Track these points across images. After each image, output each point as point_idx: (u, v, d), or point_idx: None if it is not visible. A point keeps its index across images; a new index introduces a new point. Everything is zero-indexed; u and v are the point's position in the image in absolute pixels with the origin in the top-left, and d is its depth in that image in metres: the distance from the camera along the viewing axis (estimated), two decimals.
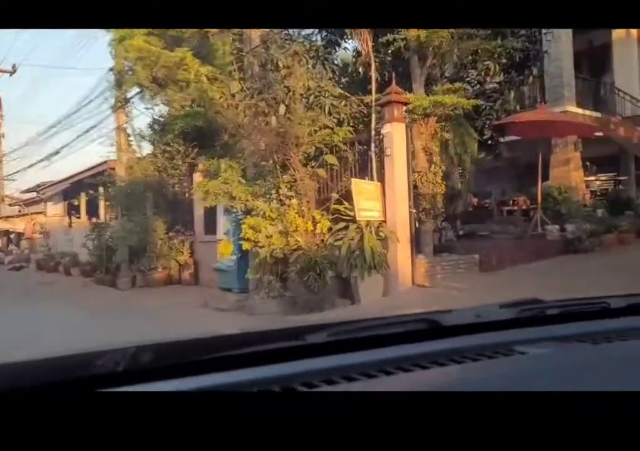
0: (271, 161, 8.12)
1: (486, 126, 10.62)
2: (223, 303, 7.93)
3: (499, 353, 0.80)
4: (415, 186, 7.83)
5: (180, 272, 10.85)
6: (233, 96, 8.40)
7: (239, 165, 8.23)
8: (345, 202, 7.42)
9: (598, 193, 13.28)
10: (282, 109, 7.77)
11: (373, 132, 7.79)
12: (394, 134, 7.45)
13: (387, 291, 7.14)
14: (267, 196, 7.81)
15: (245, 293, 8.18)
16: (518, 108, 11.27)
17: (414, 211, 7.57)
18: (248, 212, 7.84)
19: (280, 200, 7.69)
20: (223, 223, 8.99)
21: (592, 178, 13.56)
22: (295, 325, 0.99)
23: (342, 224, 7.24)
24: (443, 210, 8.27)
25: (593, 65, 14.13)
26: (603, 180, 13.60)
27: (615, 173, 14.15)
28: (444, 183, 8.36)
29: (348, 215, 7.27)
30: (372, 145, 7.76)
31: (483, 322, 0.92)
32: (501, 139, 11.37)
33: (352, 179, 7.41)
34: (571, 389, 0.57)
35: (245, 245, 7.46)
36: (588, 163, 13.33)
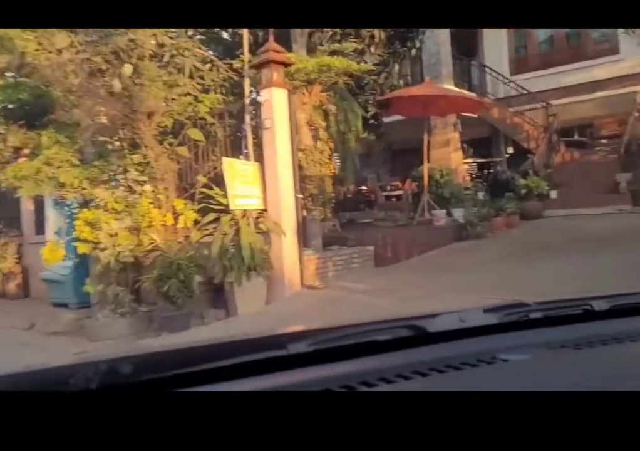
0: (116, 138, 6.29)
1: (370, 102, 9.60)
2: (56, 324, 5.99)
3: (482, 361, 0.80)
4: (300, 167, 6.49)
5: (3, 283, 8.52)
6: (60, 52, 6.38)
7: (72, 142, 6.27)
8: (215, 188, 5.86)
9: (476, 175, 13.04)
10: (127, 69, 5.96)
11: (247, 100, 6.28)
12: (275, 102, 6.01)
13: (272, 297, 5.74)
14: (111, 182, 6.00)
15: (87, 308, 6.30)
16: (402, 83, 10.41)
17: (301, 197, 6.23)
18: (85, 203, 5.98)
19: (129, 186, 5.92)
20: (52, 219, 6.94)
21: (470, 160, 13.31)
22: (272, 333, 0.93)
23: (212, 216, 5.68)
24: (333, 195, 7.04)
25: (467, 44, 13.83)
26: (480, 162, 13.39)
27: (488, 155, 14.09)
28: (332, 164, 7.14)
29: (220, 204, 5.73)
30: (247, 116, 6.25)
31: (468, 327, 0.90)
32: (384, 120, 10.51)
33: (224, 159, 5.85)
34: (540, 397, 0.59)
35: (82, 248, 5.60)
36: (465, 145, 13.05)
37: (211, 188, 5.84)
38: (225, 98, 6.83)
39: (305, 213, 6.58)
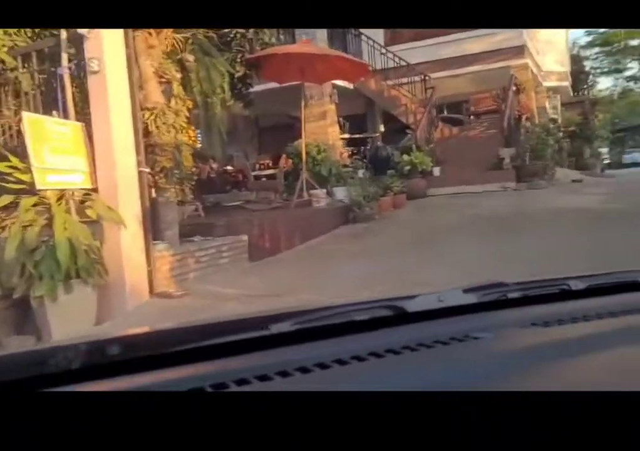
0: None
1: (238, 60, 7.99)
2: None
3: (455, 339, 0.78)
4: (146, 132, 4.78)
5: None
6: None
7: None
8: (13, 158, 3.95)
9: (354, 151, 12.00)
10: None
11: (65, 34, 4.39)
12: (105, 36, 4.23)
13: (106, 314, 4.04)
14: None
15: None
16: (274, 41, 8.91)
17: (147, 171, 4.54)
18: None
19: None
20: None
21: (346, 135, 12.24)
22: (252, 315, 0.89)
23: (5, 199, 3.80)
24: (194, 170, 5.42)
25: None
26: (357, 138, 12.36)
27: (364, 130, 13.15)
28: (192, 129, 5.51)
29: (19, 182, 3.87)
30: (64, 55, 4.37)
31: (446, 307, 0.91)
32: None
33: (25, 114, 3.96)
34: (517, 373, 0.60)
35: None
36: (341, 119, 11.96)
37: (4, 159, 3.93)
38: (32, 32, 4.86)
39: (154, 193, 4.91)
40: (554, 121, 11.79)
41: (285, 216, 7.19)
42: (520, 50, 12.36)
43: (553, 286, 1.04)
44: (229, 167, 11.74)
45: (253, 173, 11.18)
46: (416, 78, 12.24)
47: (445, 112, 13.77)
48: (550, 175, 10.16)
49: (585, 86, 22.39)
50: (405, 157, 9.93)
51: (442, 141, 11.32)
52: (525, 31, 12.38)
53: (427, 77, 12.08)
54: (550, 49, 15.75)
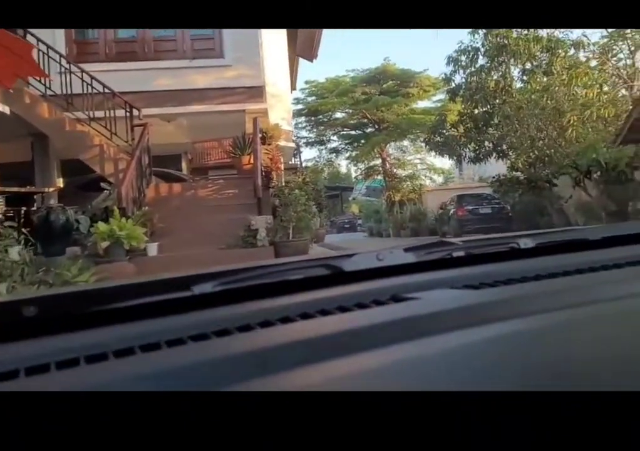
0: None
1: None
2: None
3: (394, 299, 0.73)
4: None
5: None
6: None
7: None
8: None
9: (7, 215, 7.15)
10: None
11: None
12: None
13: None
14: None
15: None
16: None
17: None
18: None
19: None
20: None
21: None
22: (177, 275, 0.85)
23: None
24: None
25: None
26: (16, 193, 7.53)
27: (29, 182, 8.39)
28: None
29: None
30: None
31: (386, 266, 0.85)
32: None
33: None
34: (459, 331, 0.56)
35: None
36: None
37: None
38: None
39: None
40: (306, 183, 9.24)
41: None
42: (258, 92, 9.63)
43: (501, 245, 1.01)
44: None
45: None
46: (121, 112, 8.27)
47: (164, 164, 10.12)
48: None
49: (296, 153, 21.47)
50: (101, 226, 5.81)
51: (160, 204, 7.53)
52: (265, 70, 9.78)
53: (137, 111, 8.27)
54: (277, 103, 13.70)
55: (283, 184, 7.24)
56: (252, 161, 7.63)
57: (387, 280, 0.82)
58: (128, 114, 8.12)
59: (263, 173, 7.50)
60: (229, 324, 0.63)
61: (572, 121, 11.96)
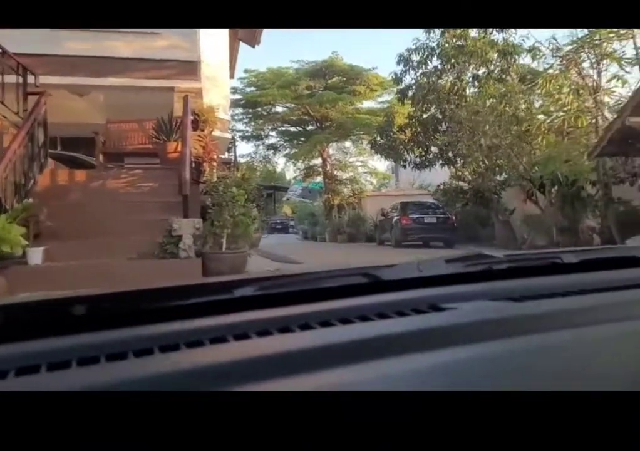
0: None
1: None
2: None
3: (433, 308, 0.73)
4: None
5: None
6: None
7: None
8: None
9: None
10: None
11: None
12: None
13: None
14: None
15: None
16: None
17: None
18: None
19: None
20: None
21: None
22: (219, 280, 0.87)
23: None
24: None
25: None
26: None
27: None
28: None
29: None
30: None
31: (427, 277, 0.86)
32: None
33: None
34: (484, 344, 0.57)
35: None
36: None
37: None
38: None
39: None
40: (245, 179, 7.77)
41: None
42: (192, 68, 8.12)
43: (543, 259, 1.00)
44: None
45: None
46: (11, 78, 6.50)
47: (59, 148, 8.39)
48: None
49: (231, 146, 19.85)
50: None
51: (55, 196, 5.90)
52: (201, 45, 8.28)
53: (33, 76, 6.56)
54: (213, 88, 12.16)
55: (217, 180, 5.80)
56: (179, 148, 6.14)
57: (427, 290, 0.82)
58: (21, 79, 6.40)
59: (193, 165, 6.05)
60: (270, 326, 0.64)
61: (529, 131, 11.26)
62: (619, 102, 10.29)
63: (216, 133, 11.77)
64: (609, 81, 9.44)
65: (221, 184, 5.76)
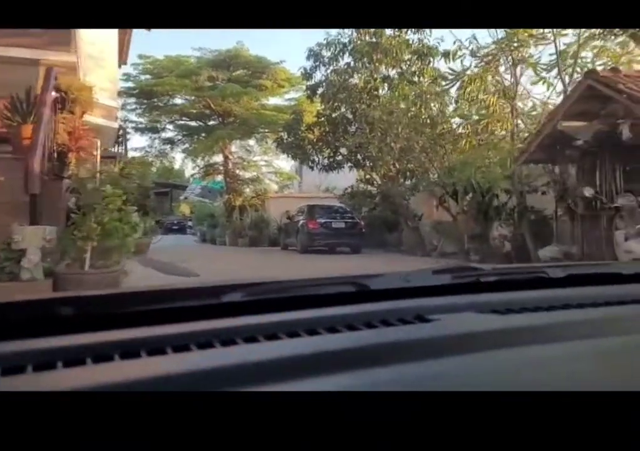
0: None
1: None
2: None
3: (420, 319, 0.74)
4: None
5: None
6: None
7: None
8: None
9: None
10: None
11: None
12: None
13: None
14: None
15: None
16: None
17: None
18: None
19: None
20: None
21: None
22: (209, 284, 0.86)
23: None
24: None
25: None
26: None
27: None
28: None
29: None
30: None
31: (414, 287, 0.87)
32: None
33: None
34: (468, 356, 0.58)
35: None
36: None
37: None
38: None
39: None
40: (125, 176, 6.36)
41: None
42: (64, 36, 6.60)
43: (530, 273, 1.01)
44: None
45: None
46: None
47: None
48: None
49: (120, 139, 17.86)
50: None
51: None
52: None
53: None
54: (98, 69, 10.49)
55: (86, 175, 4.46)
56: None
57: (413, 301, 0.82)
58: None
59: (55, 154, 4.66)
60: (257, 333, 0.64)
61: (443, 134, 10.78)
62: (532, 109, 10.10)
63: (99, 120, 10.10)
64: (534, 83, 9.09)
65: (92, 181, 4.43)
